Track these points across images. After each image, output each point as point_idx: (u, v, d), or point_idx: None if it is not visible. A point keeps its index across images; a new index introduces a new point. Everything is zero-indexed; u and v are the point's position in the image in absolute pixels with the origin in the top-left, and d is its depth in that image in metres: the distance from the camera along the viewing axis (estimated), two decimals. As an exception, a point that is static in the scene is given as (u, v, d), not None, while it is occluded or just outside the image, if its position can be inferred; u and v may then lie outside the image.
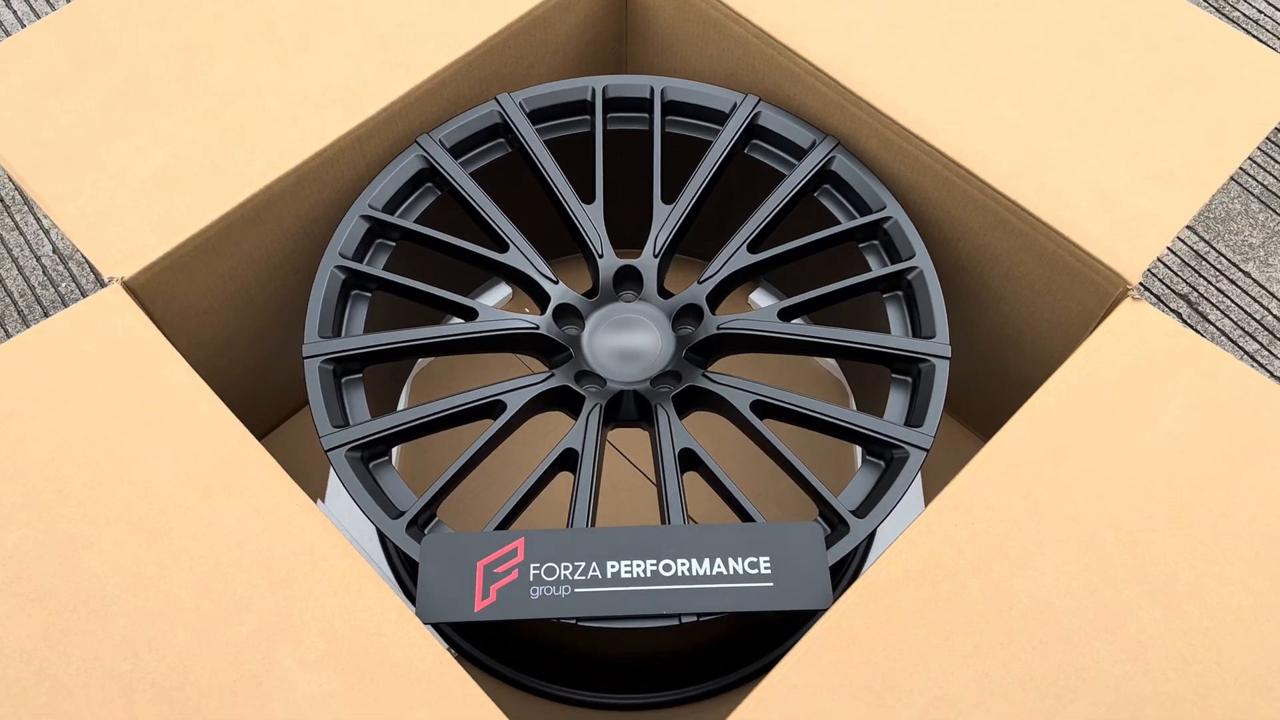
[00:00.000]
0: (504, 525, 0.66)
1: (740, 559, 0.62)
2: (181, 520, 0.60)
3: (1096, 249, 0.69)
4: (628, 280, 0.77)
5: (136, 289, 0.70)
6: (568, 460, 0.69)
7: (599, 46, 0.90)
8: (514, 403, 0.70)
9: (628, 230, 0.79)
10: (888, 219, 0.75)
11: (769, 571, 0.62)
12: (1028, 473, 0.63)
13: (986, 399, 0.89)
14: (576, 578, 0.62)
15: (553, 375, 0.72)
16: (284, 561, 0.59)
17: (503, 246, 0.76)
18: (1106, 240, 0.70)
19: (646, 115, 0.82)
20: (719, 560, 0.62)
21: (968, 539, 0.61)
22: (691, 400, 0.72)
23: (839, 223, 0.77)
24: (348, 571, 0.59)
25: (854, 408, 0.94)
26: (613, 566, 0.62)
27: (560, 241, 0.81)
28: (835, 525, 0.66)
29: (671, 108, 0.81)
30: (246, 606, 0.58)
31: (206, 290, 0.76)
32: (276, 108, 0.76)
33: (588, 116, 0.82)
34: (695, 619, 0.61)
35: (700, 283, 0.75)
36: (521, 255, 0.75)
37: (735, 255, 0.75)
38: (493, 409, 0.70)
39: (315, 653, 0.57)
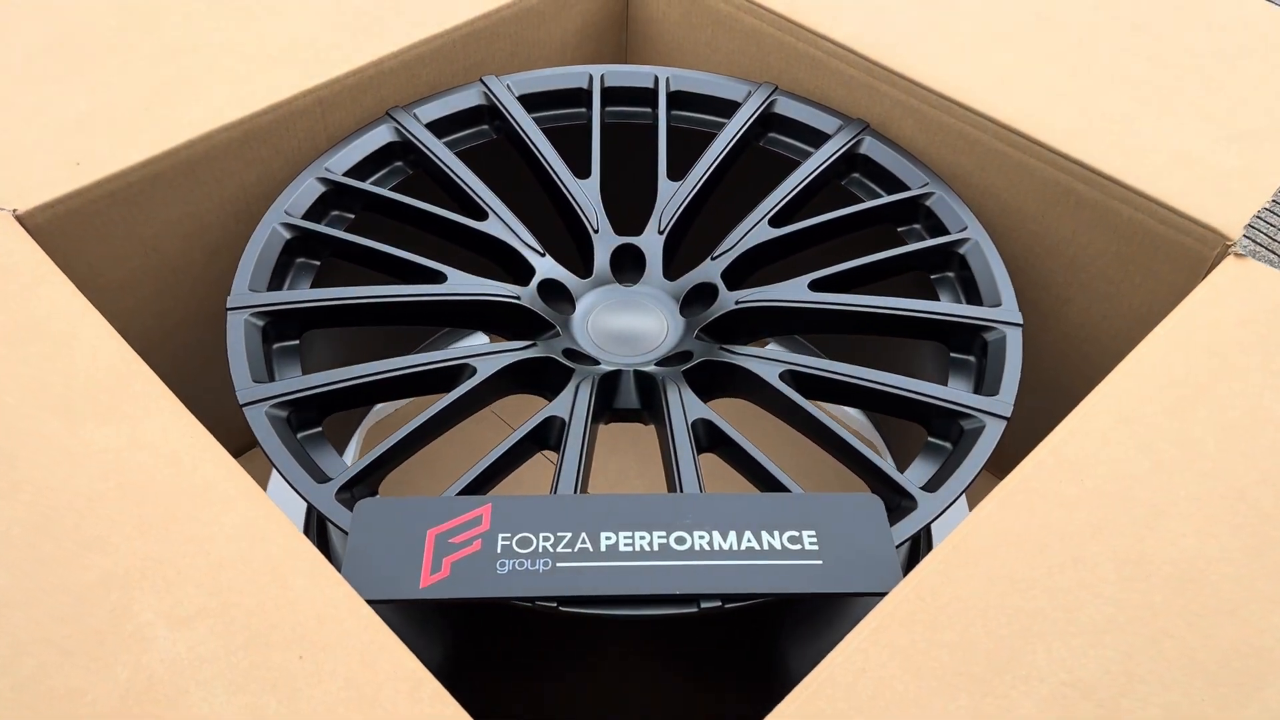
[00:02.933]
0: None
1: (778, 533, 0.47)
2: (32, 447, 0.45)
3: (1187, 205, 0.59)
4: (627, 263, 0.65)
5: (34, 231, 0.57)
6: (550, 434, 0.54)
7: (598, 61, 0.82)
8: (484, 369, 0.56)
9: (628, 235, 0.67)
10: (929, 194, 0.65)
11: (815, 548, 0.47)
12: (1143, 427, 0.49)
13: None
14: (560, 550, 0.46)
15: (534, 345, 0.59)
16: (163, 499, 0.44)
17: (481, 215, 0.64)
18: (1195, 197, 0.59)
19: (649, 109, 0.73)
20: (750, 534, 0.47)
21: (1079, 497, 0.46)
22: (708, 379, 0.58)
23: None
24: (251, 514, 0.44)
25: (881, 445, 0.80)
26: (608, 538, 0.47)
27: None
28: (898, 504, 0.51)
29: (678, 99, 0.72)
30: (101, 548, 0.42)
31: (125, 256, 0.63)
32: (230, 63, 0.66)
33: (584, 109, 0.72)
34: (719, 605, 0.45)
35: (713, 259, 0.63)
36: (502, 223, 0.64)
37: (754, 229, 0.64)
38: (457, 376, 0.56)
39: (190, 607, 0.40)
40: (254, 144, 0.65)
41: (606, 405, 0.58)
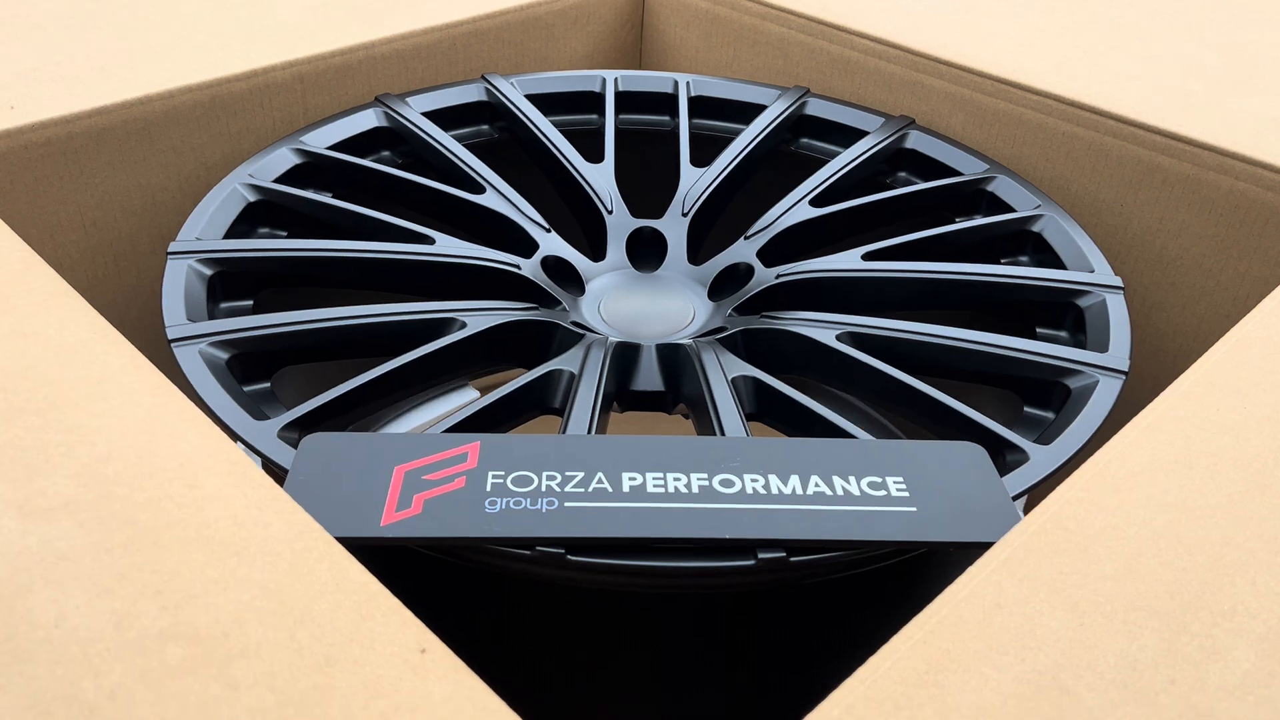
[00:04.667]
0: (446, 447, 0.39)
1: (854, 478, 0.36)
2: (-119, 329, 0.35)
3: (1297, 165, 0.51)
4: (646, 247, 0.56)
5: (-52, 173, 0.49)
6: (553, 391, 0.44)
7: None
8: (476, 324, 0.46)
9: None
10: (990, 178, 0.57)
11: (905, 494, 0.35)
12: (1307, 359, 0.39)
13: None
14: (570, 490, 0.35)
15: (538, 309, 0.49)
16: (46, 387, 0.33)
17: (479, 189, 0.55)
18: (1306, 159, 0.51)
19: (668, 117, 0.66)
20: (818, 479, 0.36)
21: (1246, 424, 0.36)
22: (747, 351, 0.48)
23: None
24: (161, 408, 0.33)
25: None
26: (633, 479, 0.36)
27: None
28: (1004, 461, 0.40)
29: (700, 105, 0.65)
30: (-55, 430, 0.31)
31: (59, 226, 0.54)
32: (204, 36, 0.60)
33: (595, 115, 0.65)
34: (782, 556, 0.34)
35: (747, 238, 0.54)
36: (501, 196, 0.55)
37: (794, 208, 0.55)
38: (442, 330, 0.46)
39: (55, 498, 0.29)
40: (221, 114, 0.57)
41: (622, 385, 0.47)
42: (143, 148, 0.55)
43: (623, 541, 0.33)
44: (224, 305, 0.48)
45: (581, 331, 0.47)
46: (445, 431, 0.39)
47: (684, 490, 0.35)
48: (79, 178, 0.53)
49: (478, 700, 0.25)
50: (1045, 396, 0.44)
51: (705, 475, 0.36)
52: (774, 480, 0.36)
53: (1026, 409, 0.44)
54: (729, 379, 0.43)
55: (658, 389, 0.47)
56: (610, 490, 0.35)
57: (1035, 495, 0.40)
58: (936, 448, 0.38)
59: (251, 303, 0.48)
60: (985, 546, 0.32)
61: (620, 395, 0.47)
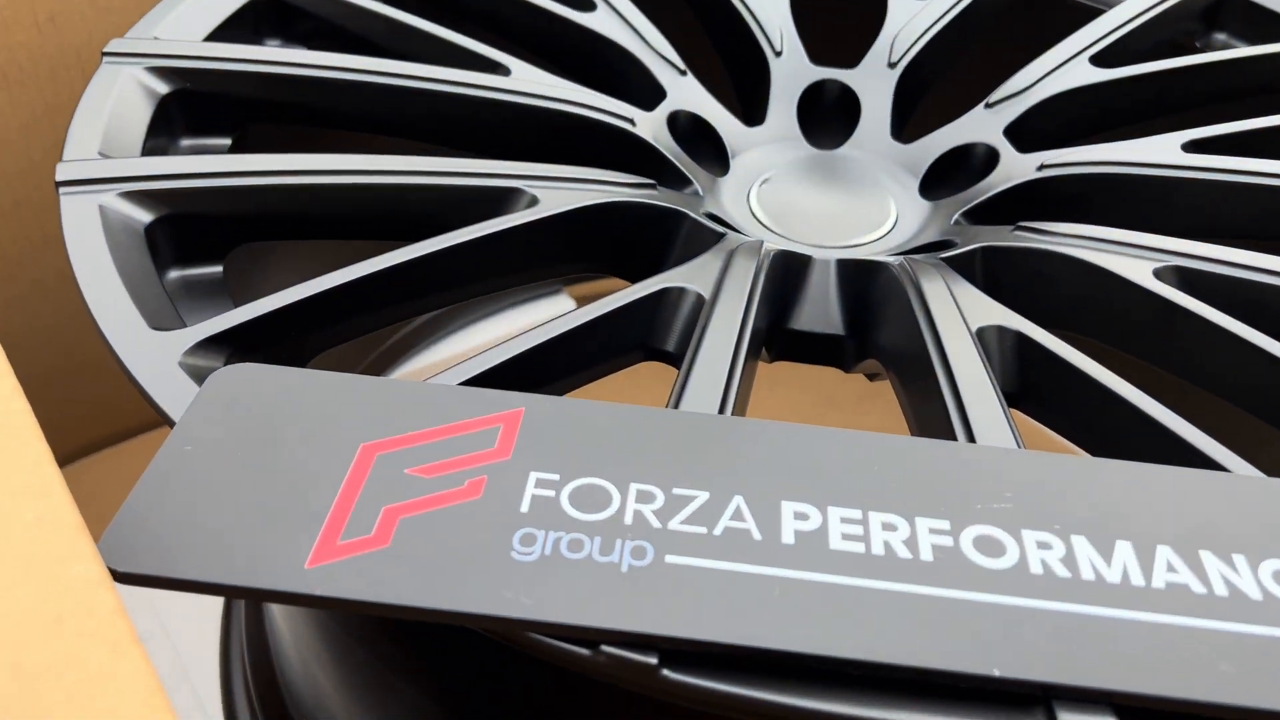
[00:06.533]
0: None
1: (1249, 560, 0.18)
2: None
3: None
4: (828, 113, 0.37)
5: None
6: (666, 322, 0.26)
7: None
8: (553, 202, 0.28)
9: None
10: (1392, 44, 0.36)
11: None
12: None
13: None
14: (678, 527, 0.18)
15: (655, 188, 0.31)
16: None
17: (588, 6, 0.38)
18: None
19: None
20: (1170, 552, 0.18)
21: None
22: (992, 282, 0.29)
23: None
24: None
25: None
26: (803, 516, 0.18)
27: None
28: None
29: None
30: None
31: (1, 19, 0.38)
32: None
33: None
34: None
35: (989, 106, 0.35)
36: (618, 18, 0.37)
37: (1066, 67, 0.36)
38: (500, 205, 0.29)
39: None
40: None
41: (776, 319, 0.29)
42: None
43: (773, 656, 0.16)
44: (184, 143, 0.31)
45: (721, 229, 0.30)
46: (464, 384, 0.22)
47: (904, 552, 0.18)
48: (27, -46, 0.37)
49: None
50: None
51: (946, 523, 0.18)
52: (1084, 549, 0.18)
53: None
54: (973, 329, 0.25)
55: (834, 331, 0.29)
56: (758, 536, 0.18)
57: None
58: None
59: (229, 143, 0.32)
60: None
61: (772, 335, 0.29)
